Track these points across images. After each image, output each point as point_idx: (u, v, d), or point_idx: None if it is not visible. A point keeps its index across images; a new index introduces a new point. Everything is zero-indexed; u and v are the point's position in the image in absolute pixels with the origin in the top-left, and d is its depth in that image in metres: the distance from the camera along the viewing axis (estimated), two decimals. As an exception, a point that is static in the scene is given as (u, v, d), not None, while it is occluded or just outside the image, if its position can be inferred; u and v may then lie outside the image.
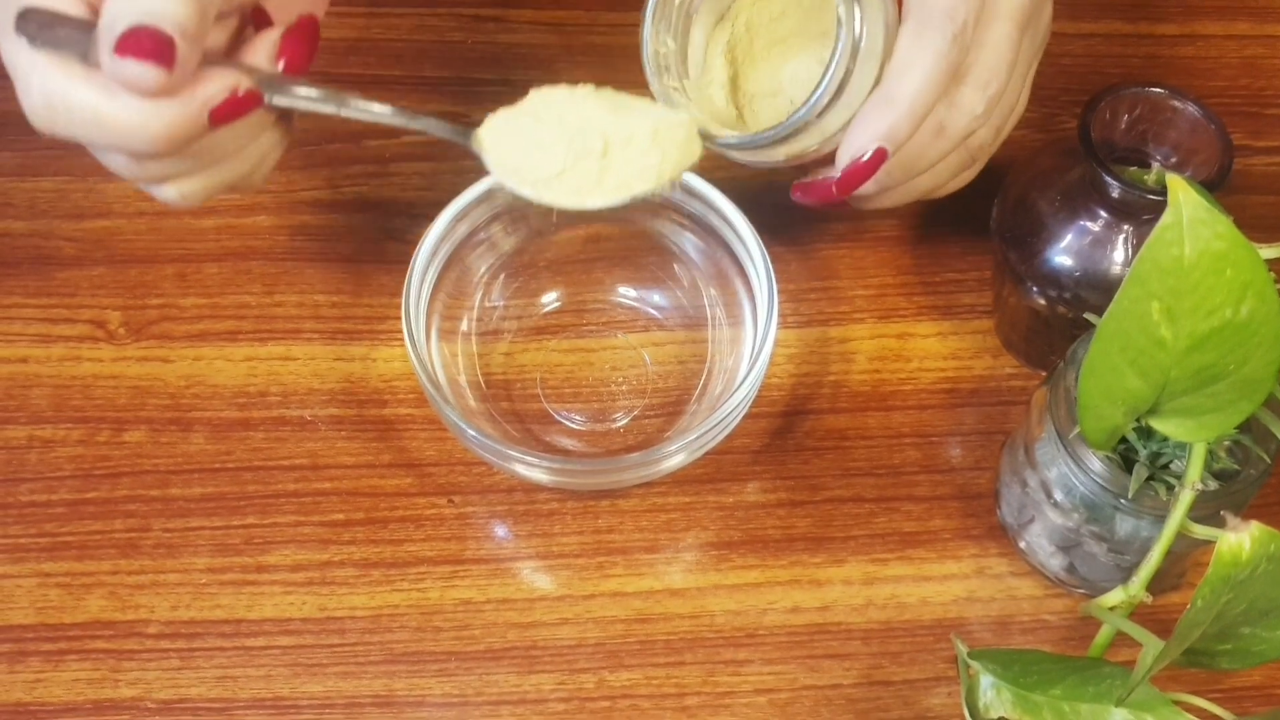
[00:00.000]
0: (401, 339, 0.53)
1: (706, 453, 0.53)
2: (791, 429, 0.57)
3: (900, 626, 0.53)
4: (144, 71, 0.38)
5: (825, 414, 0.57)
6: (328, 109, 0.43)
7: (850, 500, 0.55)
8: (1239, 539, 0.37)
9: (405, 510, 0.55)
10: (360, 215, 0.61)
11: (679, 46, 0.49)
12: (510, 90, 0.64)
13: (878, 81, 0.45)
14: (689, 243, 0.58)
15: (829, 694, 0.52)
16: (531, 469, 0.52)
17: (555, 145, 0.45)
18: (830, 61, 0.44)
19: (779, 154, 0.47)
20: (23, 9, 0.38)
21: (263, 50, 0.42)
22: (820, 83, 0.44)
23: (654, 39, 0.48)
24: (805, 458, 0.56)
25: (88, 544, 0.54)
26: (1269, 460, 0.46)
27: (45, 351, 0.58)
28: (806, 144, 0.46)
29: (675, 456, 0.52)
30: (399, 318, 0.53)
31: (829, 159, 0.47)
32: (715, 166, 0.62)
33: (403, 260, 0.54)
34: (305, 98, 0.42)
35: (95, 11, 0.39)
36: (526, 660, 0.52)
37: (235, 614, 0.53)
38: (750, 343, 0.55)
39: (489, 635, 0.52)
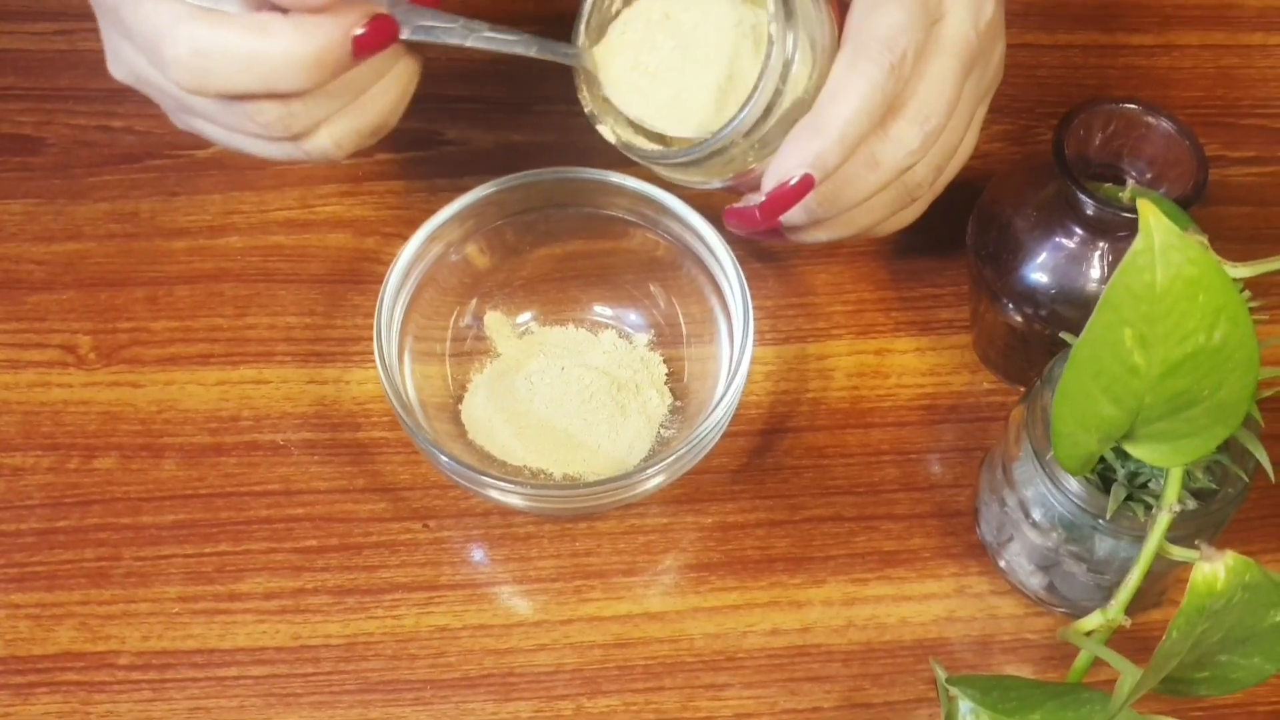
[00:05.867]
0: (375, 361, 0.52)
1: (685, 473, 0.53)
2: (770, 447, 0.56)
3: (881, 647, 0.53)
4: None
5: (804, 432, 0.57)
6: (455, 40, 0.45)
7: (829, 519, 0.55)
8: (1213, 569, 0.36)
9: (380, 536, 0.54)
10: (333, 235, 0.61)
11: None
12: (484, 107, 0.64)
13: (810, 108, 0.44)
14: (664, 260, 0.57)
15: (810, 717, 0.51)
16: (507, 494, 0.51)
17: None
18: (758, 81, 0.43)
19: (709, 175, 0.46)
20: None
21: None
22: (746, 102, 0.44)
23: (587, 51, 0.47)
24: (784, 476, 0.56)
25: (57, 574, 0.53)
26: (1247, 479, 0.46)
27: (14, 377, 0.57)
28: (735, 166, 0.45)
29: (654, 478, 0.52)
30: (372, 339, 0.52)
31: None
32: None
33: (376, 280, 0.54)
34: (437, 27, 0.44)
35: None
36: (503, 687, 0.51)
37: (208, 644, 0.52)
38: (727, 360, 0.55)
39: (465, 662, 0.52)
